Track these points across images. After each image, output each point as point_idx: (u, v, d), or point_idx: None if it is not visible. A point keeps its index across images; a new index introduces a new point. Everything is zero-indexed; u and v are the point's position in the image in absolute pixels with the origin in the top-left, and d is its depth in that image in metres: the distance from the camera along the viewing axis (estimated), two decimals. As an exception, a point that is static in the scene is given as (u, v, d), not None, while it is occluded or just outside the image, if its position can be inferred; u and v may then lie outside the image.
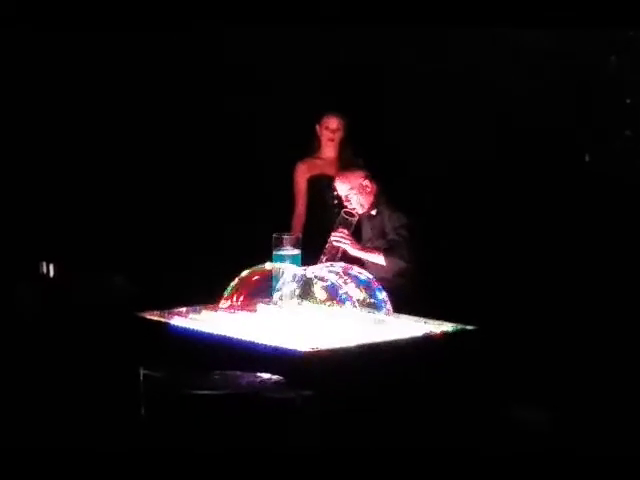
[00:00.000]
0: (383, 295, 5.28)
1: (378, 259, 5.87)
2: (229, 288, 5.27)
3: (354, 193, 5.96)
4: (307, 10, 6.46)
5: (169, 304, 5.40)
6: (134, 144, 7.08)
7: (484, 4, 6.24)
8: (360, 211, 5.98)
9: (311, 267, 5.39)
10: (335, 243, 5.78)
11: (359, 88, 7.05)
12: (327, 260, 5.68)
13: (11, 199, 6.76)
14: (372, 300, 5.29)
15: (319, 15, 6.49)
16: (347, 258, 5.79)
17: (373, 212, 6.03)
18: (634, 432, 5.28)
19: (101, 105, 7.00)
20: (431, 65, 6.80)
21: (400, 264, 5.85)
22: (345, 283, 5.24)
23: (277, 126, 7.06)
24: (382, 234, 5.99)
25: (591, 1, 6.08)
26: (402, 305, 5.34)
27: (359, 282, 5.29)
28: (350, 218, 5.85)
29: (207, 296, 5.42)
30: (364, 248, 5.92)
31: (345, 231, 5.80)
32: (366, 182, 5.97)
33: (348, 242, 5.79)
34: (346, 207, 5.96)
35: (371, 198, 5.99)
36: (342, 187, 6.01)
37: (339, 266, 5.37)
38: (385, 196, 6.01)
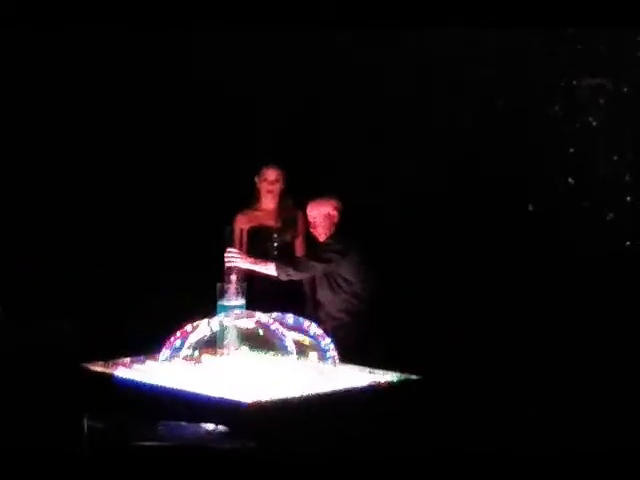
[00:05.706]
0: (328, 342, 5.35)
1: (269, 269, 5.95)
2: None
3: (320, 220, 6.08)
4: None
5: (115, 352, 5.40)
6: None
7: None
8: (321, 238, 6.08)
9: (260, 314, 5.40)
10: (228, 264, 5.67)
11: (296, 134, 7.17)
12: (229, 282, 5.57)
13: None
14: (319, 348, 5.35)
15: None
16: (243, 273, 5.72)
17: None
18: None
19: (100, 107, 7.07)
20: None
21: (288, 272, 5.94)
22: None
23: (216, 178, 7.14)
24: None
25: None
26: (348, 344, 5.43)
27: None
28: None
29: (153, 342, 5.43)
30: (255, 260, 5.96)
31: (233, 249, 5.80)
32: (334, 212, 6.07)
33: (238, 257, 5.75)
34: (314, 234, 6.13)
35: (333, 228, 6.09)
36: (311, 212, 6.14)
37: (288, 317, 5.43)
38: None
